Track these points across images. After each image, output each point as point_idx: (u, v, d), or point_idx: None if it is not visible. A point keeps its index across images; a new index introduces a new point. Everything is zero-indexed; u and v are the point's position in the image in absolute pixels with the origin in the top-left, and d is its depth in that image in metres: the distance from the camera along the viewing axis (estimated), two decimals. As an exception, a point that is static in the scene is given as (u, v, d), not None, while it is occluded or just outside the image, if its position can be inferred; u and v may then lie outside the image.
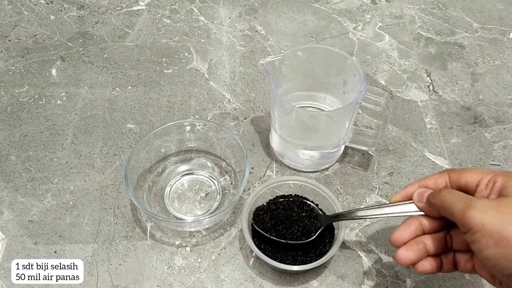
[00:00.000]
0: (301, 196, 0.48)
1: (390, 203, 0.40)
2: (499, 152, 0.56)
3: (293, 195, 0.48)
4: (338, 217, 0.44)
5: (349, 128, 0.50)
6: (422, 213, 0.38)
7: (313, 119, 0.51)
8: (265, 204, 0.47)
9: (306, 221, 0.45)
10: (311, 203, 0.47)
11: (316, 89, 0.55)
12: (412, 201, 0.38)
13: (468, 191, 0.36)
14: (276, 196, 0.48)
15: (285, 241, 0.44)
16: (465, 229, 0.32)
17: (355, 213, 0.42)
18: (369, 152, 0.55)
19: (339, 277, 0.45)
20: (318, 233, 0.44)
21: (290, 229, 0.45)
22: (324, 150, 0.52)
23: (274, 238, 0.44)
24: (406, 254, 0.36)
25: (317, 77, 0.53)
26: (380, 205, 0.41)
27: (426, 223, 0.37)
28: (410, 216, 0.38)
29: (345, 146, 0.53)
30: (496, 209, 0.31)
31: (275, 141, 0.54)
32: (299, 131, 0.51)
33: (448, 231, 0.37)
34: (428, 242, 0.37)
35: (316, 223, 0.45)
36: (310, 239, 0.44)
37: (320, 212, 0.46)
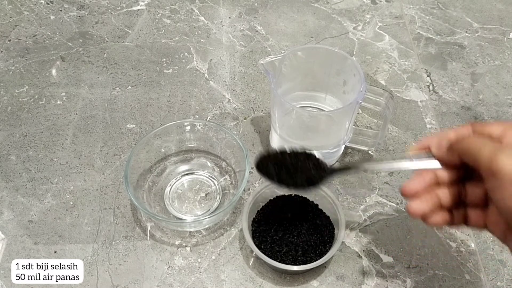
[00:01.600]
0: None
1: (406, 156, 0.37)
2: (499, 152, 0.56)
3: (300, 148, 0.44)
4: (346, 169, 0.41)
5: (349, 128, 0.50)
6: (437, 167, 0.36)
7: (313, 119, 0.51)
8: (270, 152, 0.43)
9: (312, 170, 0.42)
10: (320, 157, 0.43)
11: (316, 89, 0.55)
12: (428, 156, 0.36)
13: None
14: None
15: (287, 187, 0.41)
16: (490, 174, 0.30)
17: (364, 166, 0.39)
18: (369, 152, 0.55)
19: (339, 277, 0.45)
20: (323, 181, 0.41)
21: (295, 176, 0.41)
22: (324, 150, 0.51)
23: (277, 183, 0.41)
24: (420, 205, 0.34)
25: (317, 77, 0.53)
26: (393, 159, 0.38)
27: (442, 174, 0.35)
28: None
29: (345, 146, 0.53)
30: None
31: (275, 141, 0.54)
32: (299, 131, 0.51)
33: (462, 184, 0.35)
34: (442, 195, 0.35)
35: (322, 174, 0.42)
36: (314, 187, 0.41)
37: (327, 165, 0.43)
